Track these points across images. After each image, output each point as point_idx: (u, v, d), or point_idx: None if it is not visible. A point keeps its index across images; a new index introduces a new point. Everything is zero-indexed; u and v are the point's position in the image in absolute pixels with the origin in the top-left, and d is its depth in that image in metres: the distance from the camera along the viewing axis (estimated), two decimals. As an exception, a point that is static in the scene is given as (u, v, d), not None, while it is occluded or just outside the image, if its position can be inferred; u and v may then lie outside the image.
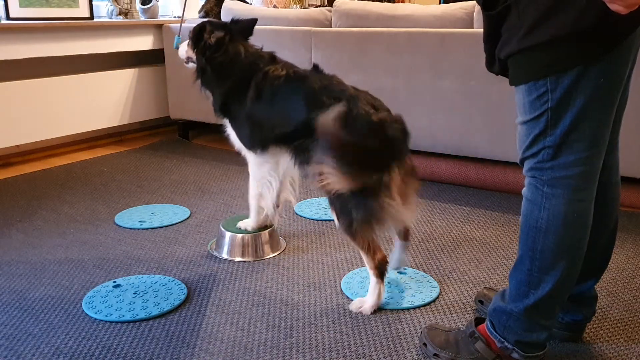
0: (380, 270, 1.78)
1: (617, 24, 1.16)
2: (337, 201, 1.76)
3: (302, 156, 1.93)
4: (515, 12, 1.24)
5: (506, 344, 1.43)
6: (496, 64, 1.37)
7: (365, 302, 1.81)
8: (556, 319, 1.51)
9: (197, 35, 2.11)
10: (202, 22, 2.12)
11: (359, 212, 1.71)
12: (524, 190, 1.39)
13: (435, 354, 1.53)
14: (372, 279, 1.80)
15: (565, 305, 1.54)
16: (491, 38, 1.35)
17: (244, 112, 2.02)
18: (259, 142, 2.04)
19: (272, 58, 2.07)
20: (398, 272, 2.02)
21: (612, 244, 1.55)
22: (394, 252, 1.93)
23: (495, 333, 1.45)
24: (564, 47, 1.21)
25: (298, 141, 1.91)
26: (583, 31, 1.17)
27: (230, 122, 2.13)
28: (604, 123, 1.28)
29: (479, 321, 1.53)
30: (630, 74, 1.35)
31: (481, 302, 1.79)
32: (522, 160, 1.37)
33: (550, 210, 1.32)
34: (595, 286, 1.58)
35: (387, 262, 1.81)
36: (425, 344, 1.56)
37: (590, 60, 1.21)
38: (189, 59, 2.21)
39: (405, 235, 1.91)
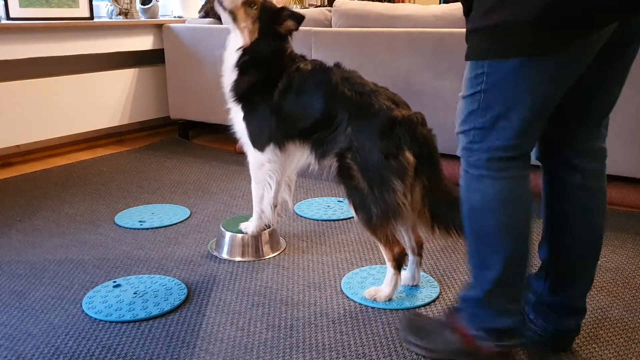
0: (398, 262, 1.81)
1: (563, 25, 1.17)
2: (356, 195, 1.78)
3: (320, 149, 1.92)
4: None
5: (475, 331, 1.43)
6: None
7: (380, 291, 1.84)
8: (534, 315, 1.53)
9: (273, 15, 1.99)
10: (283, 7, 2.01)
11: (378, 207, 1.73)
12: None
13: (409, 340, 1.55)
14: (390, 270, 1.82)
15: (549, 315, 1.53)
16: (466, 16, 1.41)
17: (269, 107, 1.98)
18: (279, 138, 2.00)
19: (303, 57, 2.07)
20: (411, 288, 1.94)
21: (593, 256, 1.49)
22: (407, 269, 1.92)
23: (464, 321, 1.45)
24: (505, 36, 1.23)
25: (317, 134, 1.91)
26: (525, 24, 1.19)
27: (245, 114, 2.05)
28: (537, 117, 1.30)
29: (456, 310, 1.53)
30: (620, 76, 1.35)
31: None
32: (458, 134, 1.40)
33: (482, 191, 1.35)
34: (595, 287, 1.57)
35: (405, 254, 1.83)
36: (401, 330, 1.59)
37: (529, 54, 1.22)
38: (231, 12, 1.98)
39: (418, 250, 1.91)
